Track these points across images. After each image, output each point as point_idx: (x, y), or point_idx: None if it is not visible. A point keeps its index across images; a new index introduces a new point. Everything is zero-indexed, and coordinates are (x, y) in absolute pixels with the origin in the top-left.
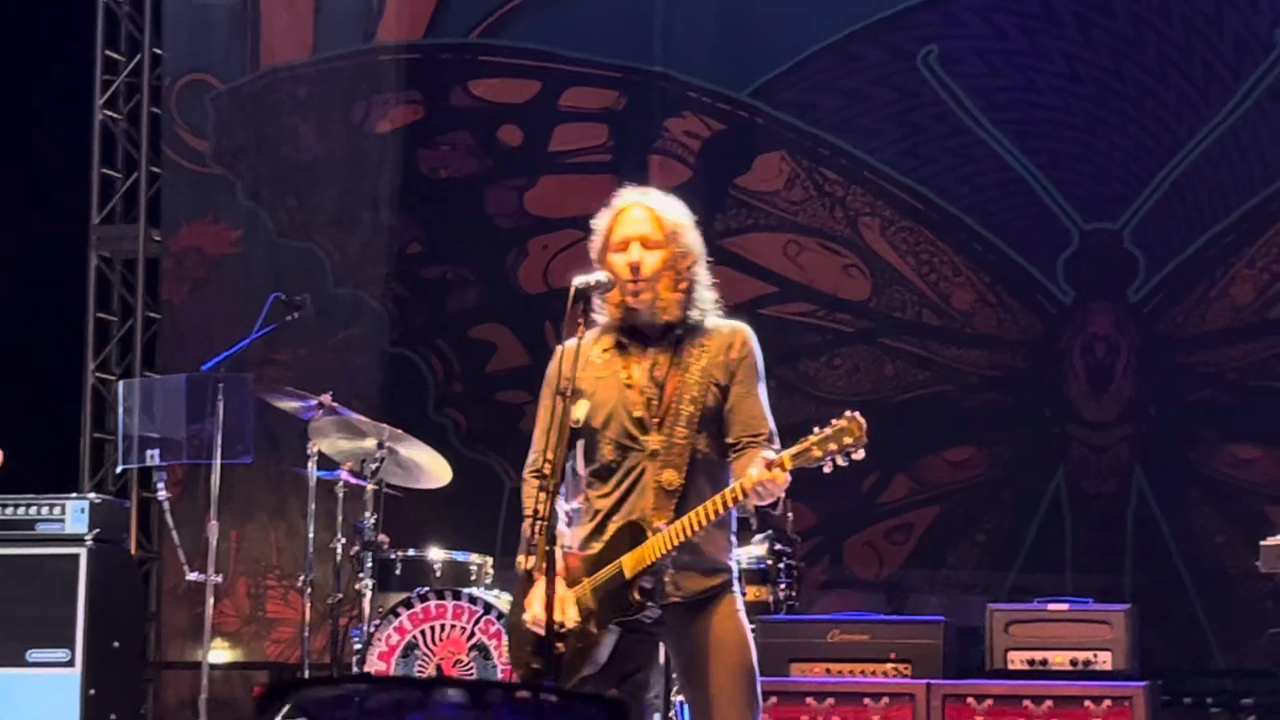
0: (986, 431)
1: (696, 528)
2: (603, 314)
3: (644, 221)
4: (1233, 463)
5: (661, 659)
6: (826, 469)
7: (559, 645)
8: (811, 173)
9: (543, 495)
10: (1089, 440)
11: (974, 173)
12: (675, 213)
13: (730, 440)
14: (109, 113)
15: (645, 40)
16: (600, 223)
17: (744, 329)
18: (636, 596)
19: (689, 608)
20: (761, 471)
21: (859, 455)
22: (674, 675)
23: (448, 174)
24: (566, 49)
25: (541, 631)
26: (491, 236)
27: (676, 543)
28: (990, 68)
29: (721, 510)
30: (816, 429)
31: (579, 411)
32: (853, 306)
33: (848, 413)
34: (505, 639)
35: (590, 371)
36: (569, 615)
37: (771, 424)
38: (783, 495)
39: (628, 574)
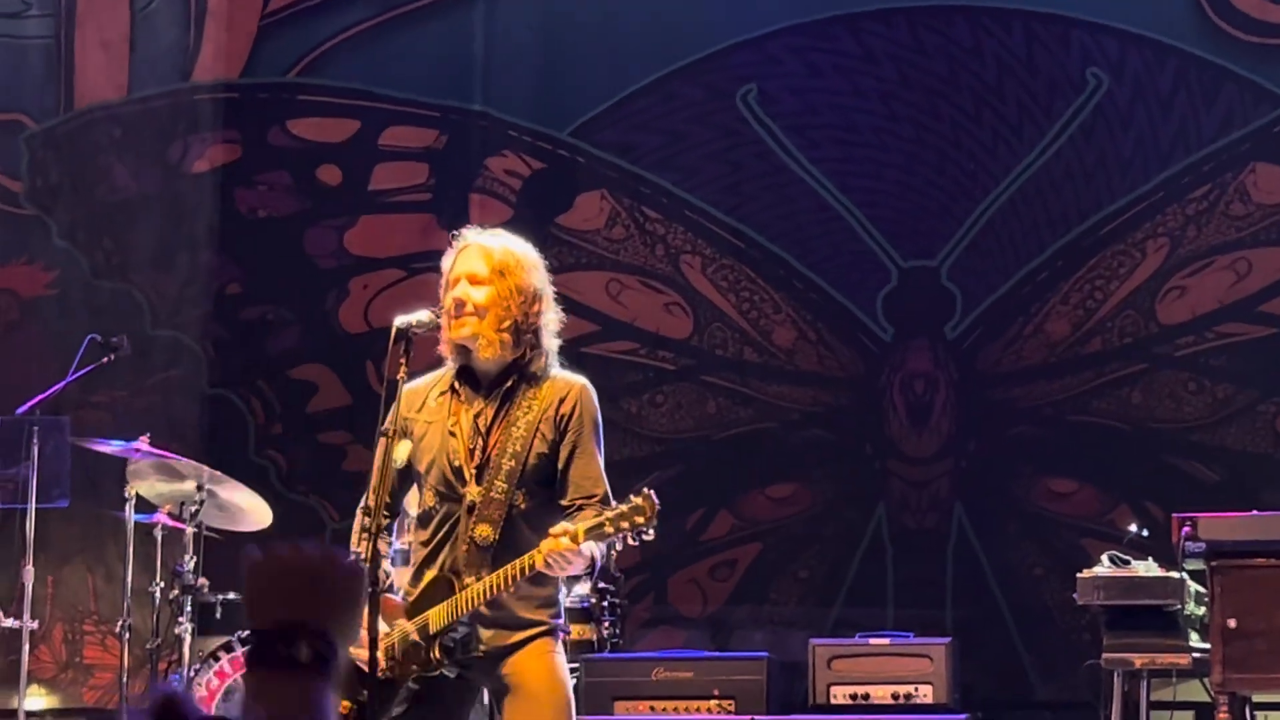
0: (808, 468)
1: (496, 591)
2: (405, 356)
3: (474, 258)
4: (1050, 496)
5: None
6: (618, 546)
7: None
8: (632, 211)
9: (364, 536)
10: (909, 476)
11: (793, 211)
12: (508, 251)
13: (564, 503)
14: None
15: (465, 79)
16: (443, 264)
17: (580, 383)
18: (436, 654)
19: (497, 658)
20: (551, 542)
21: (649, 536)
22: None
23: (266, 214)
24: (386, 88)
25: (362, 664)
26: (311, 276)
27: (478, 603)
28: (808, 107)
29: (518, 578)
30: (615, 503)
31: (400, 453)
32: (674, 344)
33: (645, 490)
34: None
35: (424, 414)
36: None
37: (606, 485)
38: (586, 569)
39: (431, 629)
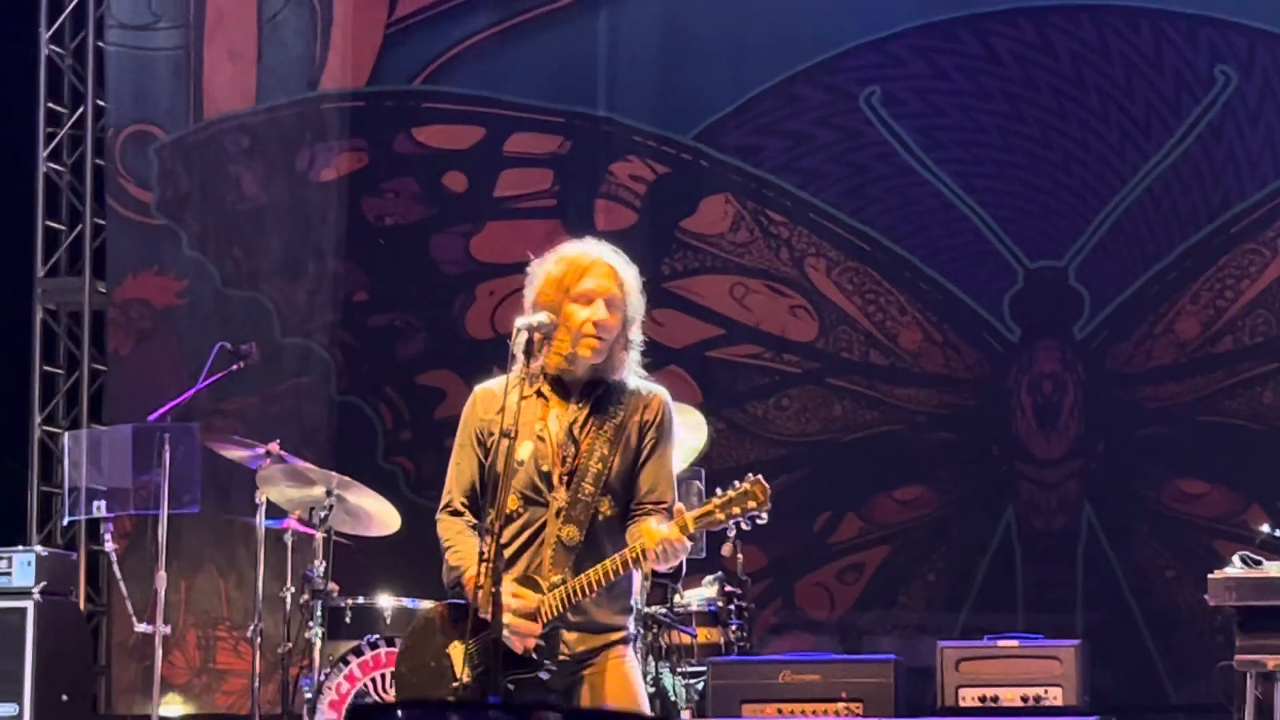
0: (935, 470)
1: (592, 589)
2: (525, 358)
3: (606, 279)
4: (1180, 498)
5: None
6: (730, 534)
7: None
8: (756, 215)
9: (488, 539)
10: (1038, 477)
11: (918, 212)
12: (632, 277)
13: (632, 505)
14: (52, 165)
15: (589, 85)
16: (553, 268)
17: (662, 393)
18: (533, 656)
19: (576, 662)
20: (659, 532)
21: (763, 520)
22: None
23: (393, 221)
24: (509, 94)
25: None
26: (438, 283)
27: (572, 602)
28: (932, 108)
29: (621, 570)
30: (720, 490)
31: (523, 452)
32: (800, 347)
33: (751, 476)
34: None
35: (506, 417)
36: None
37: (675, 494)
38: (683, 560)
39: None
